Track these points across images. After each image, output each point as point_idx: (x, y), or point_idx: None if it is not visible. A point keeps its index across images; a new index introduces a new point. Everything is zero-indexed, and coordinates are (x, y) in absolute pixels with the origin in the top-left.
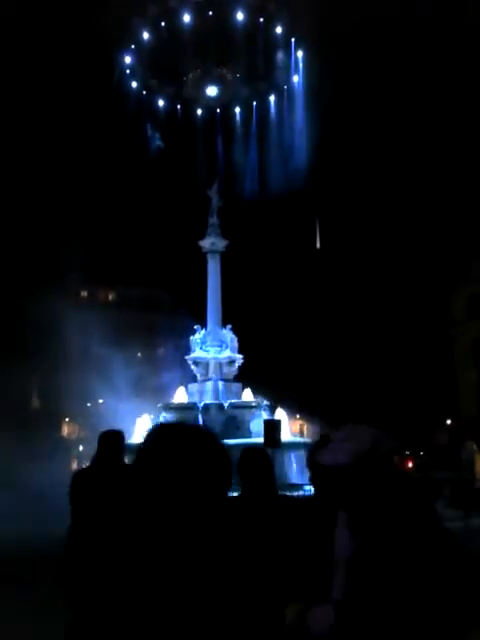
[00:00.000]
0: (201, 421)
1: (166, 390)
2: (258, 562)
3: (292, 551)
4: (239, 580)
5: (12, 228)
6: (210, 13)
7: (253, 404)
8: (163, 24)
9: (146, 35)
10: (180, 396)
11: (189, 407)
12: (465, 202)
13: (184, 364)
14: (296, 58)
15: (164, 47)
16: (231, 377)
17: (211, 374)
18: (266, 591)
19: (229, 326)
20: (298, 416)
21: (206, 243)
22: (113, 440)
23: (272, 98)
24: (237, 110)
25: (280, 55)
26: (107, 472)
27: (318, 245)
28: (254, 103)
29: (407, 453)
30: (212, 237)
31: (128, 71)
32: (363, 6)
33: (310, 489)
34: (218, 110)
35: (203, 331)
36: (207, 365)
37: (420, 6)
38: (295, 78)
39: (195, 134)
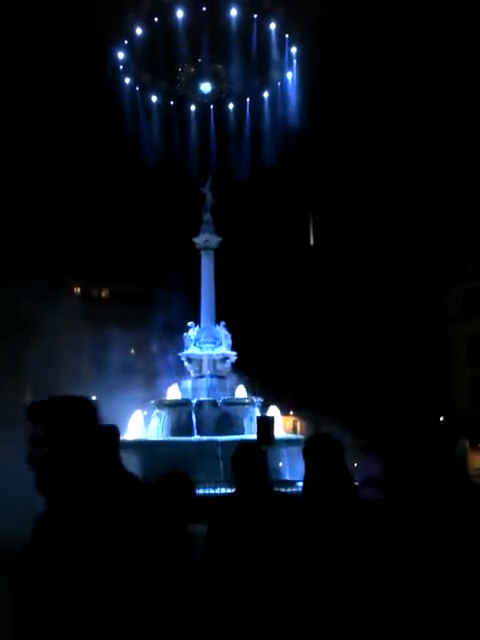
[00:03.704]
0: (194, 418)
1: (159, 387)
2: (254, 559)
3: (287, 547)
4: (235, 577)
5: (4, 224)
6: (204, 9)
7: (246, 401)
8: (156, 19)
9: (139, 30)
10: (173, 393)
11: (182, 403)
12: (460, 199)
13: (177, 361)
14: (290, 54)
15: (157, 43)
16: (225, 374)
17: (205, 371)
18: (263, 588)
19: (223, 323)
20: (291, 413)
21: (200, 240)
22: (108, 436)
23: (266, 94)
24: (231, 106)
25: (274, 51)
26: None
27: (312, 242)
28: (248, 99)
29: None
30: (206, 234)
31: (121, 67)
32: (362, 7)
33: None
34: (211, 106)
35: (197, 328)
36: (200, 362)
37: (419, 10)
38: (289, 75)
39: (188, 130)
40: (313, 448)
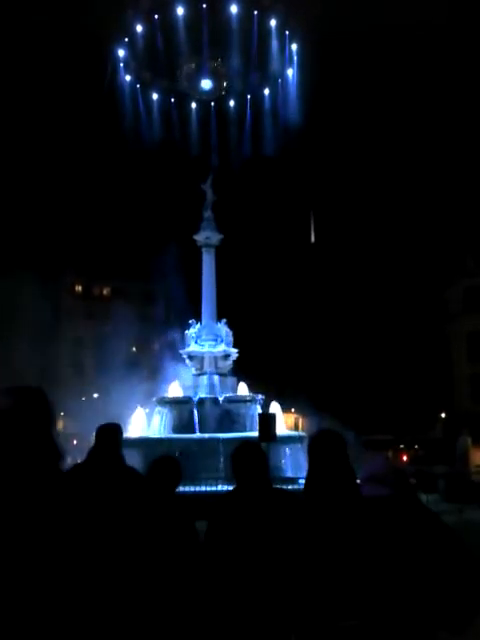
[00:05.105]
0: (196, 415)
1: (160, 384)
2: (254, 556)
3: (288, 545)
4: (235, 574)
5: (7, 222)
6: (204, 6)
7: (248, 398)
8: (156, 17)
9: (139, 28)
10: (175, 390)
11: (184, 401)
12: (460, 196)
13: (179, 358)
14: (290, 51)
15: (158, 40)
16: (226, 371)
17: (206, 368)
18: (263, 585)
19: (224, 320)
20: (293, 410)
21: (201, 237)
22: (111, 434)
23: (266, 91)
24: (231, 103)
25: (274, 48)
26: (104, 466)
27: (313, 239)
28: (248, 96)
29: (401, 446)
30: (207, 231)
31: (121, 64)
32: (362, 7)
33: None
34: (212, 103)
35: (198, 325)
36: (202, 359)
37: (419, 10)
38: (289, 71)
39: (189, 127)
40: (319, 444)
